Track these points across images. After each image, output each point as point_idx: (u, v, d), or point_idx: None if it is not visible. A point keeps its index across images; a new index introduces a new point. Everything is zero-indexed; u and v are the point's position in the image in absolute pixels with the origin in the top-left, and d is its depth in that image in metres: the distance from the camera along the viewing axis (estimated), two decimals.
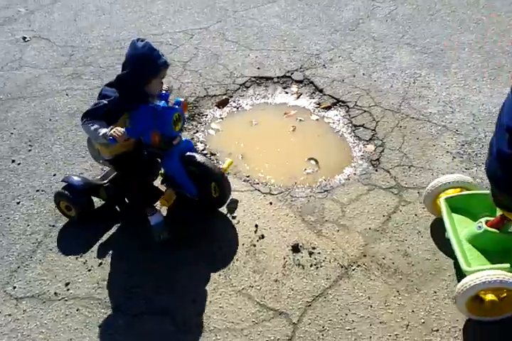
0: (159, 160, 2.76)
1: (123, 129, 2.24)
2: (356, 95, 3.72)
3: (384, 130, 3.37)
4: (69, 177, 2.85)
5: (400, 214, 2.76)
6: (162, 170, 2.87)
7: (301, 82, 3.97)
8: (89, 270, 2.63)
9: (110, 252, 2.72)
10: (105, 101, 2.31)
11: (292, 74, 4.05)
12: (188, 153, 2.62)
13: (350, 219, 2.77)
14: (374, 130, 3.39)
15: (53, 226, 2.90)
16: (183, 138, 2.67)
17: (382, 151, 3.20)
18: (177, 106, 2.49)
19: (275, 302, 2.39)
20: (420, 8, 4.77)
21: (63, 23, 5.15)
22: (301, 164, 3.22)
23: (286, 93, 3.89)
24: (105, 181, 2.88)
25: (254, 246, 2.67)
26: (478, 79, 3.77)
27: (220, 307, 2.39)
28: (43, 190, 3.15)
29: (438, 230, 2.62)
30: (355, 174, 3.08)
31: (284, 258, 2.59)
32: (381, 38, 4.38)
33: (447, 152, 3.14)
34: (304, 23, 4.74)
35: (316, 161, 3.23)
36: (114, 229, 2.85)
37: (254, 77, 4.05)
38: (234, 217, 2.85)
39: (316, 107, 3.70)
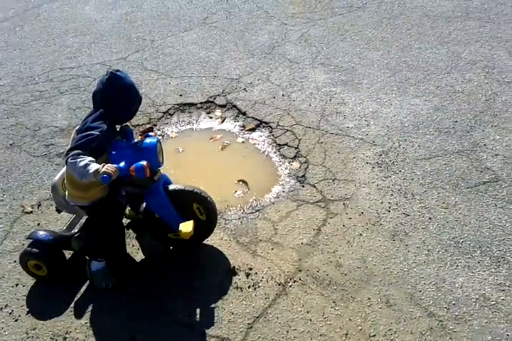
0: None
1: (114, 165, 2.06)
2: (278, 115, 3.84)
3: (306, 147, 3.49)
4: (35, 232, 2.57)
5: (328, 226, 2.86)
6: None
7: (224, 106, 4.04)
8: (16, 320, 2.46)
9: (37, 300, 2.57)
10: (97, 133, 2.07)
11: (215, 99, 4.11)
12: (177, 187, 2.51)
13: (282, 236, 2.82)
14: (297, 148, 3.50)
15: None
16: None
17: (307, 167, 3.32)
18: (156, 137, 2.33)
19: (216, 328, 2.36)
20: (330, 29, 5.06)
21: None
22: (231, 187, 3.26)
23: (211, 118, 3.94)
24: (76, 230, 2.65)
25: (191, 274, 2.64)
26: (388, 92, 4.03)
27: None
28: None
29: (366, 238, 2.75)
30: (283, 191, 3.16)
31: (222, 283, 2.58)
32: (296, 59, 4.59)
33: (367, 163, 3.31)
34: (222, 49, 4.86)
35: (245, 183, 3.27)
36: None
37: (177, 104, 4.08)
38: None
39: (241, 130, 3.78)
